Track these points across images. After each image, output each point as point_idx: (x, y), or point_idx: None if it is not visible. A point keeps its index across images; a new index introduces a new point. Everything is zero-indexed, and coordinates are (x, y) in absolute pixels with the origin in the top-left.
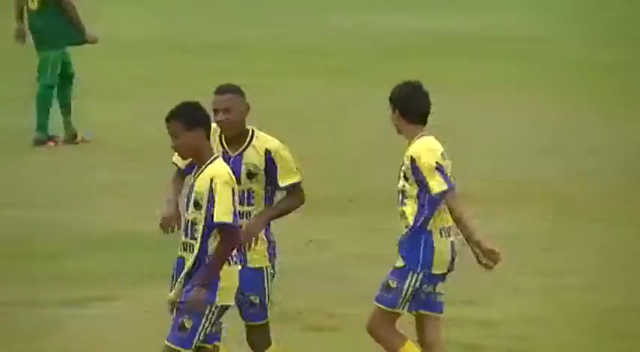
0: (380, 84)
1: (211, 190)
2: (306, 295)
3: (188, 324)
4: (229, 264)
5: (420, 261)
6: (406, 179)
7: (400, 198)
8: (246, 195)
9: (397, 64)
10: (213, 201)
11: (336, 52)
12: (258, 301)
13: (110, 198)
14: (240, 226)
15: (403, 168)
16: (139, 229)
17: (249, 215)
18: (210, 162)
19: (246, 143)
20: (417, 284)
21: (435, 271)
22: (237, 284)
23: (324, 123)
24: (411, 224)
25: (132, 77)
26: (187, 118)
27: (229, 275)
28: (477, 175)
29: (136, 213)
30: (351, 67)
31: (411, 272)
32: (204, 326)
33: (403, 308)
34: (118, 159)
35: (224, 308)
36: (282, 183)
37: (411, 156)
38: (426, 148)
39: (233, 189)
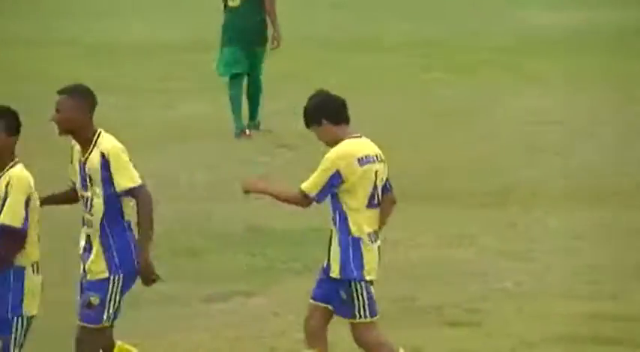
0: (525, 79)
1: (6, 193)
2: (447, 290)
3: None
4: (34, 272)
5: (353, 269)
6: None
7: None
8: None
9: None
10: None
11: (481, 47)
12: (97, 302)
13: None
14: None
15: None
16: (278, 225)
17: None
18: (11, 167)
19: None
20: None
21: (369, 278)
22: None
23: (470, 117)
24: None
25: (280, 73)
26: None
27: (34, 284)
28: None
29: (276, 209)
30: (497, 62)
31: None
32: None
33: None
34: (265, 154)
35: (30, 319)
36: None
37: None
38: (339, 152)
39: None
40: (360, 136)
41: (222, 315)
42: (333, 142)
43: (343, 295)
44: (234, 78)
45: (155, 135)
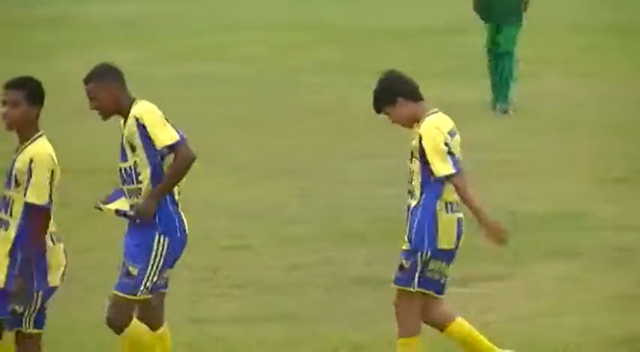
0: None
1: (30, 170)
2: None
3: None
4: (53, 242)
5: (426, 239)
6: (415, 157)
7: (410, 176)
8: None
9: None
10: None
11: None
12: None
13: (498, 177)
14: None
15: (412, 146)
16: (523, 208)
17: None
18: (34, 141)
19: None
20: (426, 260)
21: (442, 246)
22: (65, 262)
23: None
24: (418, 202)
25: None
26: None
27: (55, 254)
28: None
29: (521, 192)
30: None
31: (419, 252)
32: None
33: (418, 286)
34: (512, 139)
35: (53, 289)
36: None
37: (420, 135)
38: (434, 126)
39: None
40: (438, 111)
41: (471, 299)
42: (410, 121)
43: (405, 262)
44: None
45: None
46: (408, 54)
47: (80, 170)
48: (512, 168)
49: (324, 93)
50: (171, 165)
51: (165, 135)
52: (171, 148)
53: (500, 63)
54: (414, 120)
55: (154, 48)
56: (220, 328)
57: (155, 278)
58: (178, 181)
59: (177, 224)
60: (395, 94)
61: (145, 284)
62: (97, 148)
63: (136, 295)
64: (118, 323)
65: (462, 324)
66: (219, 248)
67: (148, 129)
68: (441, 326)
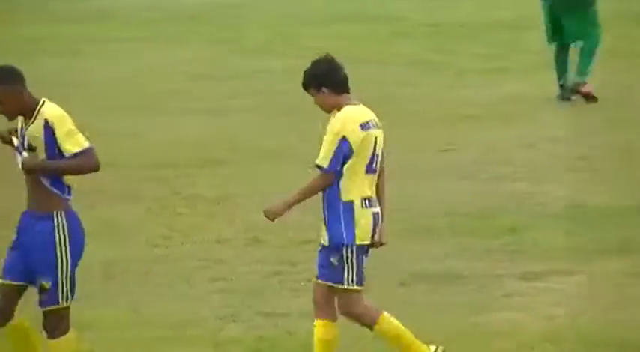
0: None
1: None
2: None
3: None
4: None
5: (345, 235)
6: None
7: None
8: None
9: None
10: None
11: None
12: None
13: (570, 172)
14: None
15: None
16: (596, 202)
17: None
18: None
19: None
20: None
21: (360, 242)
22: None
23: None
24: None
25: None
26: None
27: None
28: None
29: (599, 186)
30: None
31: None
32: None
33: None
34: (593, 133)
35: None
36: None
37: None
38: (342, 118)
39: None
40: (359, 104)
41: (538, 294)
42: (331, 108)
43: (334, 260)
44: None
45: (481, 113)
46: (479, 49)
47: (150, 164)
48: (585, 163)
49: (394, 87)
50: (73, 159)
51: (74, 141)
52: (79, 155)
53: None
54: (334, 108)
55: (220, 41)
56: (293, 322)
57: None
58: (68, 173)
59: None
60: (321, 84)
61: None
62: (167, 142)
63: None
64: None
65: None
66: (292, 242)
67: (57, 133)
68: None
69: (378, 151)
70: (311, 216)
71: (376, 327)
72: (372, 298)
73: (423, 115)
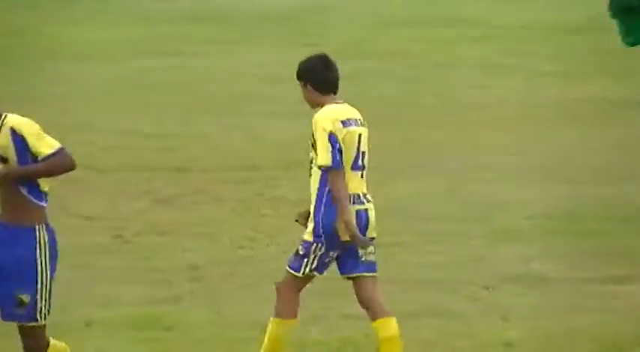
0: None
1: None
2: None
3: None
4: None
5: (322, 229)
6: (312, 147)
7: (310, 167)
8: None
9: None
10: None
11: None
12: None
13: None
14: None
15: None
16: None
17: None
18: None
19: None
20: (322, 250)
21: (342, 237)
22: None
23: None
24: (316, 193)
25: None
26: None
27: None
28: None
29: None
30: None
31: (315, 240)
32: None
33: (309, 272)
34: None
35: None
36: None
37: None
38: (326, 115)
39: None
40: (343, 102)
41: (625, 297)
42: (314, 104)
43: (300, 249)
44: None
45: (549, 116)
46: (549, 51)
47: (233, 166)
48: None
49: (472, 89)
50: (48, 161)
51: (46, 144)
52: (53, 156)
53: None
54: (318, 105)
55: (302, 43)
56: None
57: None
58: (46, 175)
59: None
60: (306, 80)
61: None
62: (249, 145)
63: None
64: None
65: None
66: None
67: (28, 139)
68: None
69: (364, 148)
70: (390, 218)
71: (273, 320)
72: (457, 302)
73: (494, 117)
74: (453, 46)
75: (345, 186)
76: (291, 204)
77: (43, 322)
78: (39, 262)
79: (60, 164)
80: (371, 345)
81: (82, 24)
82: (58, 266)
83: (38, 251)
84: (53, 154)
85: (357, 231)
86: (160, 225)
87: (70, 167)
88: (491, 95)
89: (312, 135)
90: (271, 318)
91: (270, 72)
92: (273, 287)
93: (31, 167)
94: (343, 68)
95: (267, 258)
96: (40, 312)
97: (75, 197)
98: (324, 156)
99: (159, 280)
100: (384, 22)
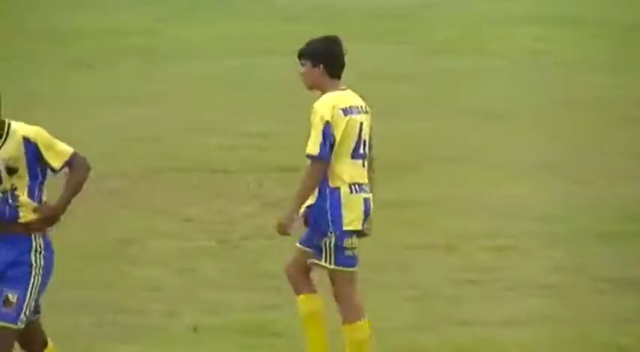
0: None
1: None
2: None
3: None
4: None
5: (330, 219)
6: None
7: None
8: None
9: None
10: None
11: None
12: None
13: None
14: None
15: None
16: None
17: None
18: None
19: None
20: (336, 242)
21: (347, 228)
22: None
23: None
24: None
25: None
26: None
27: None
28: None
29: None
30: None
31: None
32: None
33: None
34: None
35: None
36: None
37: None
38: (326, 102)
39: None
40: (346, 89)
41: None
42: (312, 86)
43: (318, 242)
44: None
45: None
46: None
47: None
48: None
49: (581, 90)
50: (72, 177)
51: (58, 152)
52: (69, 163)
53: None
54: (318, 88)
55: (412, 41)
56: (492, 331)
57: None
58: (77, 193)
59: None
60: (320, 60)
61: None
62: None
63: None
64: None
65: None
66: (486, 248)
67: (41, 149)
68: None
69: (365, 137)
70: (503, 221)
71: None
72: (563, 305)
73: (605, 118)
74: (573, 44)
75: (316, 184)
76: (394, 207)
77: (19, 325)
78: (33, 266)
79: (82, 175)
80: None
81: (175, 22)
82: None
83: (34, 256)
84: (69, 164)
85: (288, 228)
86: (268, 229)
87: (88, 171)
88: (614, 94)
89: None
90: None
91: (370, 70)
92: (384, 291)
93: (65, 196)
94: (452, 65)
95: (373, 263)
96: (21, 317)
97: (179, 199)
98: (313, 145)
99: (267, 285)
100: (501, 20)
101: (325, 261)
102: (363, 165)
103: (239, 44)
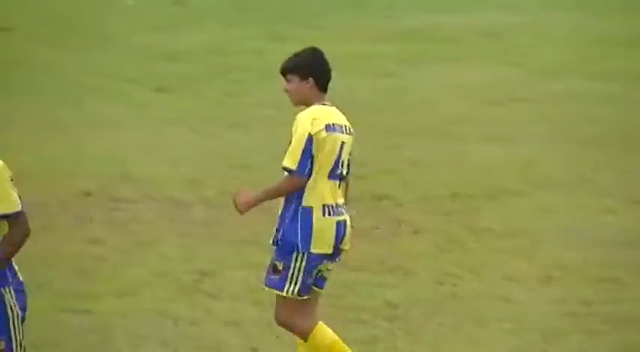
0: None
1: None
2: None
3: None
4: None
5: (299, 240)
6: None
7: None
8: None
9: None
10: None
11: None
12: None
13: None
14: None
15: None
16: None
17: None
18: None
19: None
20: (304, 264)
21: (315, 250)
22: None
23: None
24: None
25: None
26: None
27: None
28: None
29: None
30: None
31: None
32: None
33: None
34: None
35: None
36: None
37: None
38: (310, 116)
39: None
40: (331, 105)
41: None
42: (301, 102)
43: (278, 264)
44: None
45: None
46: None
47: (435, 195)
48: None
49: None
50: (10, 238)
51: (6, 200)
52: (9, 217)
53: None
54: (305, 103)
55: (522, 62)
56: None
57: None
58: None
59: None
60: (310, 73)
61: None
62: (453, 171)
63: None
64: None
65: None
66: (588, 279)
67: None
68: None
69: (344, 157)
70: (608, 253)
71: (309, 340)
72: None
73: None
74: None
75: (283, 195)
76: (497, 236)
77: None
78: (6, 302)
79: (20, 239)
80: None
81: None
82: None
83: (3, 289)
84: (7, 218)
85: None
86: (354, 260)
87: (26, 239)
88: None
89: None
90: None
91: (483, 91)
92: (478, 328)
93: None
94: (565, 87)
95: (470, 295)
96: None
97: (261, 227)
98: (292, 158)
99: (353, 319)
100: (610, 40)
101: (283, 286)
102: (339, 186)
103: (359, 64)
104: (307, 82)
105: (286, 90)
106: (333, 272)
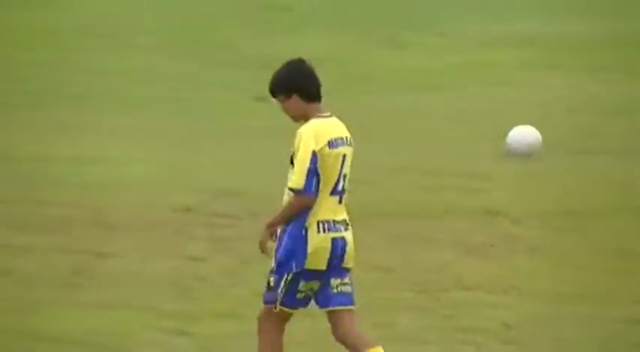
0: None
1: None
2: None
3: None
4: None
5: (293, 258)
6: (291, 163)
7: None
8: None
9: None
10: None
11: None
12: None
13: None
14: None
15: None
16: None
17: None
18: None
19: None
20: (293, 281)
21: (310, 267)
22: None
23: None
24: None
25: None
26: None
27: None
28: None
29: None
30: None
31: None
32: None
33: (282, 306)
34: None
35: None
36: None
37: (298, 135)
38: (312, 132)
39: None
40: (331, 115)
41: None
42: (299, 117)
43: (271, 281)
44: None
45: None
46: None
47: (551, 210)
48: None
49: None
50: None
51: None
52: None
53: None
54: (303, 117)
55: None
56: None
57: None
58: None
59: None
60: (291, 90)
61: None
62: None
63: None
64: None
65: None
66: None
67: None
68: None
69: (345, 171)
70: None
71: None
72: None
73: None
74: None
75: (296, 216)
76: (610, 252)
77: None
78: None
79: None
80: None
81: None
82: None
83: None
84: None
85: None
86: (467, 278)
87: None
88: None
89: (293, 151)
90: None
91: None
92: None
93: None
94: None
95: (581, 314)
96: None
97: (370, 245)
98: (298, 178)
99: (465, 341)
100: None
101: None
102: (340, 202)
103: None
104: (292, 99)
105: (282, 111)
106: (443, 291)
